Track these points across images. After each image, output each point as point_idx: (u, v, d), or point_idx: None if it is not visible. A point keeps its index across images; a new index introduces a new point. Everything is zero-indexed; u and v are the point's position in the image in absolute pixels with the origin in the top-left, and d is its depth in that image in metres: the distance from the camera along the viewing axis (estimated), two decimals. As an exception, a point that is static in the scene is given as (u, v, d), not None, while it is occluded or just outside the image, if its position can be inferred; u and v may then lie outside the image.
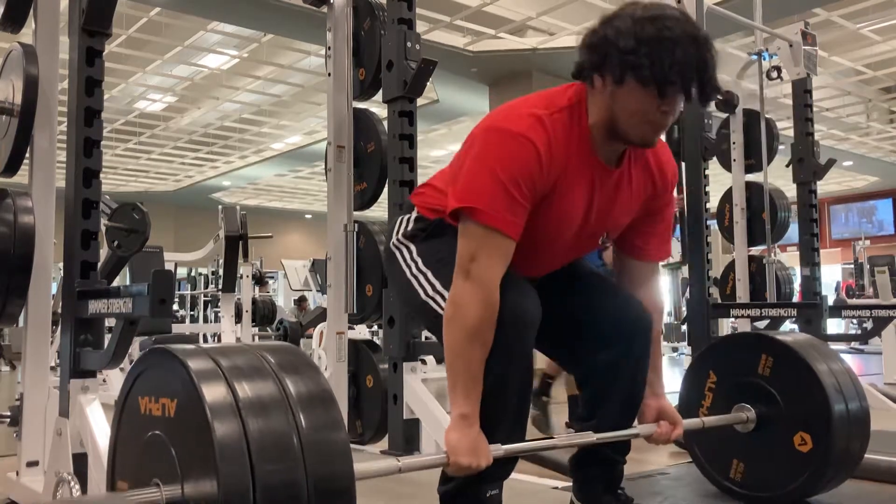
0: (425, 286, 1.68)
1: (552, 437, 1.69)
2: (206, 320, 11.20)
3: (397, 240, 1.78)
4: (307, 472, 1.04)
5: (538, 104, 1.60)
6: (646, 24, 1.49)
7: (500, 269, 1.55)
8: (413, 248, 1.74)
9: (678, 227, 4.10)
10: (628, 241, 1.82)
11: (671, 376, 8.39)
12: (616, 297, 1.79)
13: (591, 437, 1.69)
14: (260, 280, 10.06)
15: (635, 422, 1.80)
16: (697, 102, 1.58)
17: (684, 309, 4.18)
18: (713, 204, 5.05)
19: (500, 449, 1.54)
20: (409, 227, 1.76)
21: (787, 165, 4.79)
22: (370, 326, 7.52)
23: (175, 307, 9.84)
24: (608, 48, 1.53)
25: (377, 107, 3.36)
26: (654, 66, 1.48)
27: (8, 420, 2.68)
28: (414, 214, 1.78)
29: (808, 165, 4.62)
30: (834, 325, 10.95)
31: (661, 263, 1.93)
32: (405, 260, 1.74)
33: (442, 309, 1.61)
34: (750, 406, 2.09)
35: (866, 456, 2.68)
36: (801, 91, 4.72)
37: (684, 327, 7.53)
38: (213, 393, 1.05)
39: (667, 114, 1.55)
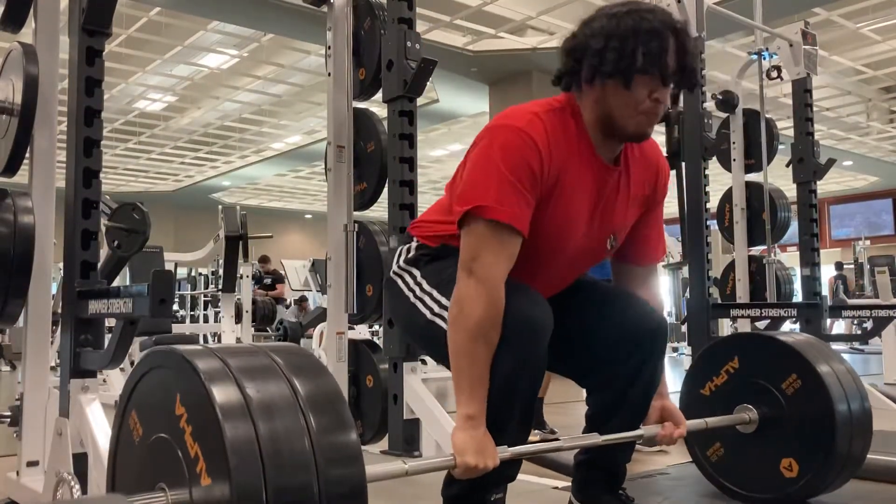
0: (431, 305, 1.66)
1: (557, 439, 1.68)
2: (206, 320, 11.18)
3: (398, 267, 1.76)
4: (319, 475, 1.03)
5: (533, 106, 1.63)
6: (621, 20, 1.54)
7: (505, 266, 1.53)
8: (416, 272, 1.73)
9: (678, 226, 4.10)
10: (625, 247, 1.81)
11: (671, 377, 8.38)
12: (632, 305, 1.76)
13: (596, 438, 1.69)
14: (259, 279, 10.04)
15: None
16: (685, 91, 1.64)
17: (684, 309, 4.17)
18: (713, 204, 5.05)
19: (507, 451, 1.53)
20: (412, 254, 1.75)
21: (787, 165, 4.79)
22: (370, 326, 7.52)
23: (175, 307, 9.83)
24: (582, 51, 1.58)
25: (377, 107, 3.36)
26: (620, 61, 1.52)
27: (8, 420, 2.68)
28: (414, 244, 1.76)
29: (808, 165, 4.62)
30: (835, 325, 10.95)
31: (661, 264, 1.92)
32: (408, 285, 1.72)
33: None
34: (753, 407, 2.09)
35: (867, 455, 2.68)
36: (801, 91, 4.72)
37: (684, 327, 7.53)
38: (224, 394, 1.03)
39: (658, 102, 1.57)
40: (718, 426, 2.05)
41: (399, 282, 1.75)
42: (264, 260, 10.77)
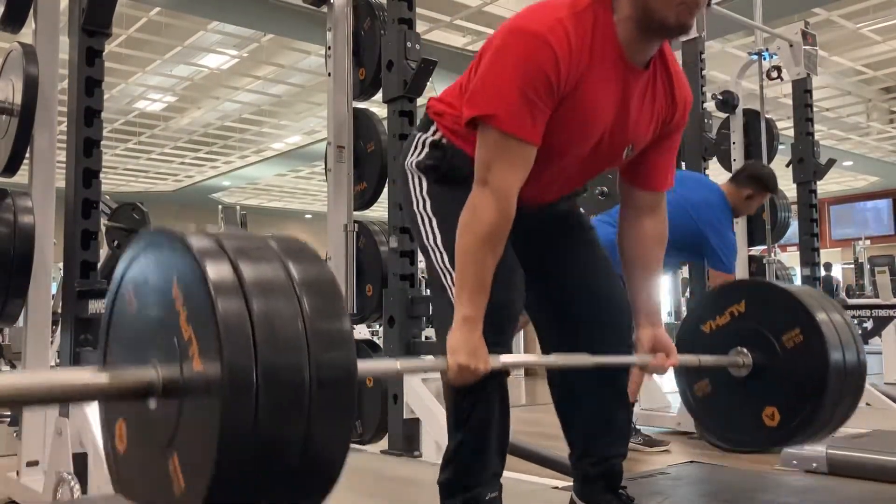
0: (428, 232, 1.67)
1: (550, 356, 1.65)
2: (206, 320, 11.18)
3: (411, 164, 1.73)
4: (311, 358, 1.02)
5: (560, 4, 1.55)
6: None
7: (519, 176, 1.53)
8: (424, 183, 1.71)
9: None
10: (635, 170, 1.78)
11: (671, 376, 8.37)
12: (615, 297, 1.77)
13: (588, 358, 1.66)
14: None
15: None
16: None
17: (684, 309, 4.17)
18: (713, 204, 5.04)
19: (499, 360, 1.53)
20: (424, 155, 1.71)
21: (788, 165, 4.80)
22: (370, 326, 7.52)
23: (175, 307, 9.77)
24: None
25: (377, 107, 3.36)
26: None
27: (8, 420, 2.68)
28: (430, 137, 1.72)
29: (808, 165, 4.63)
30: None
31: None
32: (415, 191, 1.71)
33: (439, 262, 1.63)
34: (748, 352, 2.08)
35: (867, 456, 2.68)
36: (801, 91, 4.73)
37: (684, 327, 7.54)
38: (217, 271, 1.02)
39: None
40: (711, 365, 2.03)
41: (409, 180, 1.73)
42: None
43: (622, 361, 1.75)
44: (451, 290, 1.61)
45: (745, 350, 2.06)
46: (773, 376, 2.03)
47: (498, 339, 1.57)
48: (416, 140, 1.75)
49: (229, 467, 0.98)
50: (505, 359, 1.54)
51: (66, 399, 1.12)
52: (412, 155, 1.74)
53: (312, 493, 1.08)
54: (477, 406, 1.61)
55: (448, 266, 1.63)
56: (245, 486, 1.01)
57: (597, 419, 1.76)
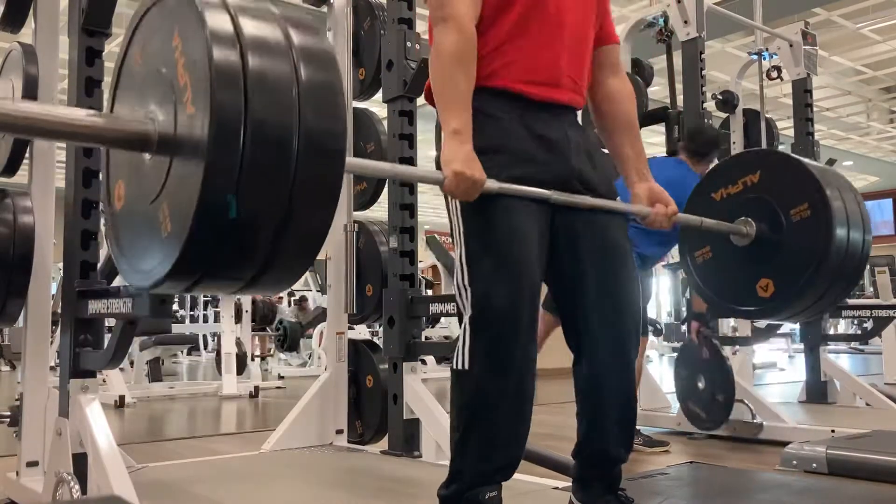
0: (461, 246, 1.63)
1: (546, 190, 1.63)
2: (205, 320, 11.19)
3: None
4: (301, 122, 1.01)
5: None
6: None
7: (468, 3, 1.66)
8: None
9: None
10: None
11: (671, 377, 8.35)
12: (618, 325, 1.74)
13: (587, 199, 1.67)
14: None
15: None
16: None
17: (684, 309, 4.18)
18: (713, 204, 5.05)
19: (496, 184, 1.55)
20: None
21: (788, 165, 4.78)
22: (370, 326, 7.51)
23: (175, 307, 9.80)
24: None
25: (377, 107, 3.35)
26: None
27: (8, 420, 2.68)
28: None
29: (808, 165, 4.62)
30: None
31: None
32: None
33: (459, 279, 1.61)
34: (753, 222, 2.06)
35: (867, 455, 2.69)
36: (801, 91, 4.73)
37: (684, 327, 7.53)
38: (216, 21, 1.02)
39: None
40: (714, 229, 2.02)
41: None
42: None
43: (621, 207, 1.75)
44: (464, 282, 1.61)
45: (750, 220, 2.05)
46: (774, 248, 2.02)
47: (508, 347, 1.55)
48: None
49: (211, 214, 0.99)
50: (502, 185, 1.55)
51: (63, 135, 1.09)
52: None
53: (287, 270, 1.09)
54: (476, 421, 1.60)
55: (465, 282, 1.61)
56: (222, 235, 1.01)
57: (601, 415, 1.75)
